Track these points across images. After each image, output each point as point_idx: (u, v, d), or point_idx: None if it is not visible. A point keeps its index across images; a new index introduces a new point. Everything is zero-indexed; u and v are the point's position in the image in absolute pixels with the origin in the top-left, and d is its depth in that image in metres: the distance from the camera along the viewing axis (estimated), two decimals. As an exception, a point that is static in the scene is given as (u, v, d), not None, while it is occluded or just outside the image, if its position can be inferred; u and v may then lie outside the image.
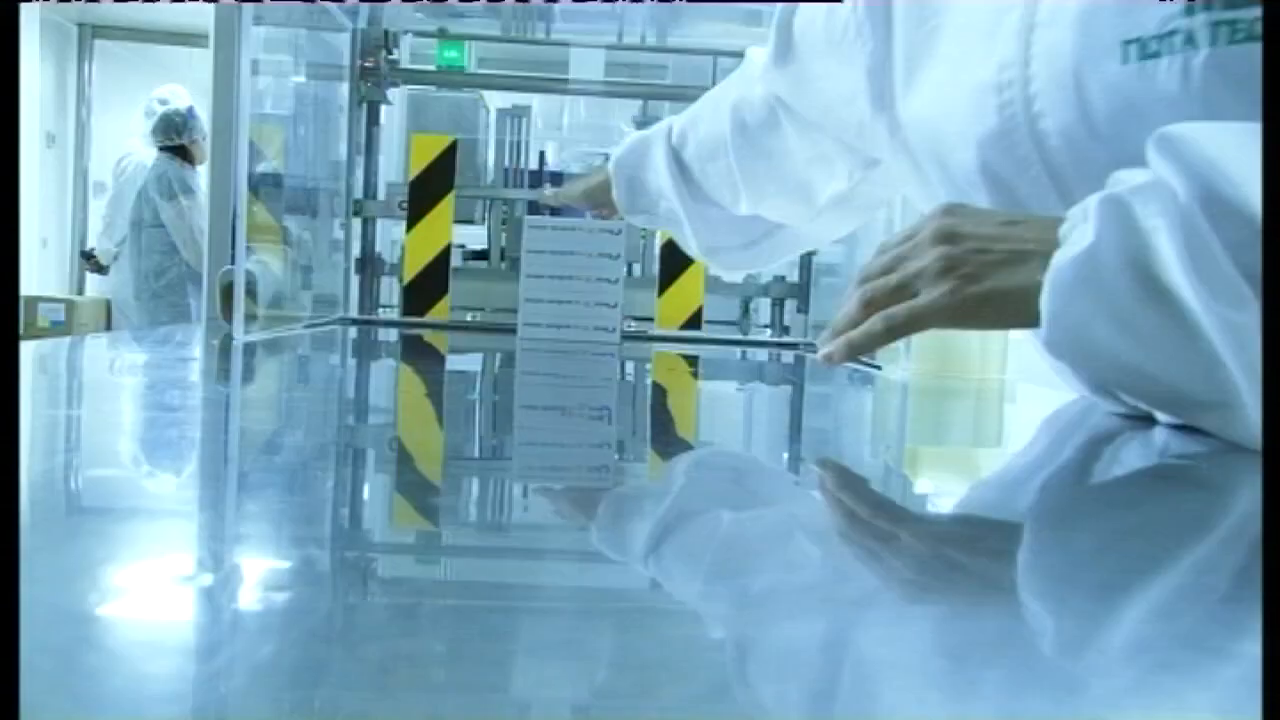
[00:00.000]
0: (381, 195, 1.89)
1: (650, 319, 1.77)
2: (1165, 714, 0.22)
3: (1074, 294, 0.54)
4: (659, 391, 1.03)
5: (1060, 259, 0.54)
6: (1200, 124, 0.54)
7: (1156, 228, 0.52)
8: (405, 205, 1.76)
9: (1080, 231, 0.54)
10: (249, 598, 0.27)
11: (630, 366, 1.24)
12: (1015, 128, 0.65)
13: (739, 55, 1.12)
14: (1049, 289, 0.54)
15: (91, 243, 4.29)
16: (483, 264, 2.04)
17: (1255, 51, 0.54)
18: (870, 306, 0.63)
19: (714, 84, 2.36)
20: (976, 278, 0.58)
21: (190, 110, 3.54)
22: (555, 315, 1.44)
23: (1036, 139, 0.64)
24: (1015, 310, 0.58)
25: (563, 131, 3.46)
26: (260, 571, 0.30)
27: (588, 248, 1.47)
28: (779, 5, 0.95)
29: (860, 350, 0.64)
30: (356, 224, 1.87)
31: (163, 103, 3.55)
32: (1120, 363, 0.56)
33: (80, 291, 5.03)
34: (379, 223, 1.94)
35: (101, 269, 3.83)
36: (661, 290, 1.78)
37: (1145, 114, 0.58)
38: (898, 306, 0.61)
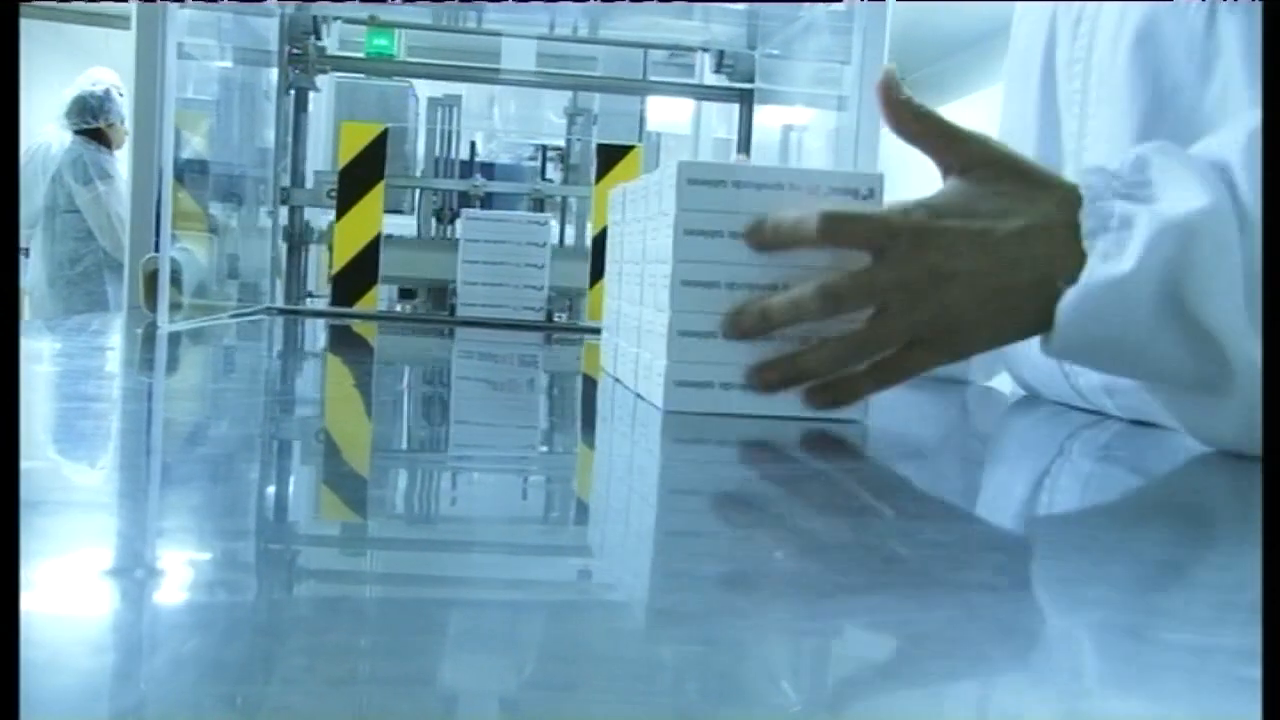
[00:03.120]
0: (310, 184, 1.87)
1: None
2: (1166, 714, 0.22)
3: (1093, 322, 0.51)
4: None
5: (1090, 278, 0.51)
6: (1237, 135, 0.53)
7: (1214, 267, 0.49)
8: (334, 194, 1.73)
9: (1116, 242, 0.51)
10: (165, 593, 0.27)
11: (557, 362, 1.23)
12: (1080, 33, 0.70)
13: (669, 48, 1.12)
14: (1067, 310, 0.51)
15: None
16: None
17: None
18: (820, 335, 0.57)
19: (644, 76, 2.37)
20: (976, 327, 0.55)
21: (107, 92, 3.45)
22: (489, 297, 1.59)
23: (1089, 48, 0.69)
24: (1012, 340, 0.56)
25: (492, 121, 3.44)
26: (178, 565, 0.30)
27: (518, 237, 1.60)
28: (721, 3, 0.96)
29: (827, 404, 0.58)
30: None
31: (95, 85, 3.46)
32: (1124, 370, 0.55)
33: (-8, 279, 4.88)
34: (306, 211, 1.91)
35: (13, 256, 3.72)
36: (593, 283, 1.78)
37: (1166, 49, 0.62)
38: (897, 363, 0.56)
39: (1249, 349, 0.49)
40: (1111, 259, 0.51)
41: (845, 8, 1.71)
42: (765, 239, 0.59)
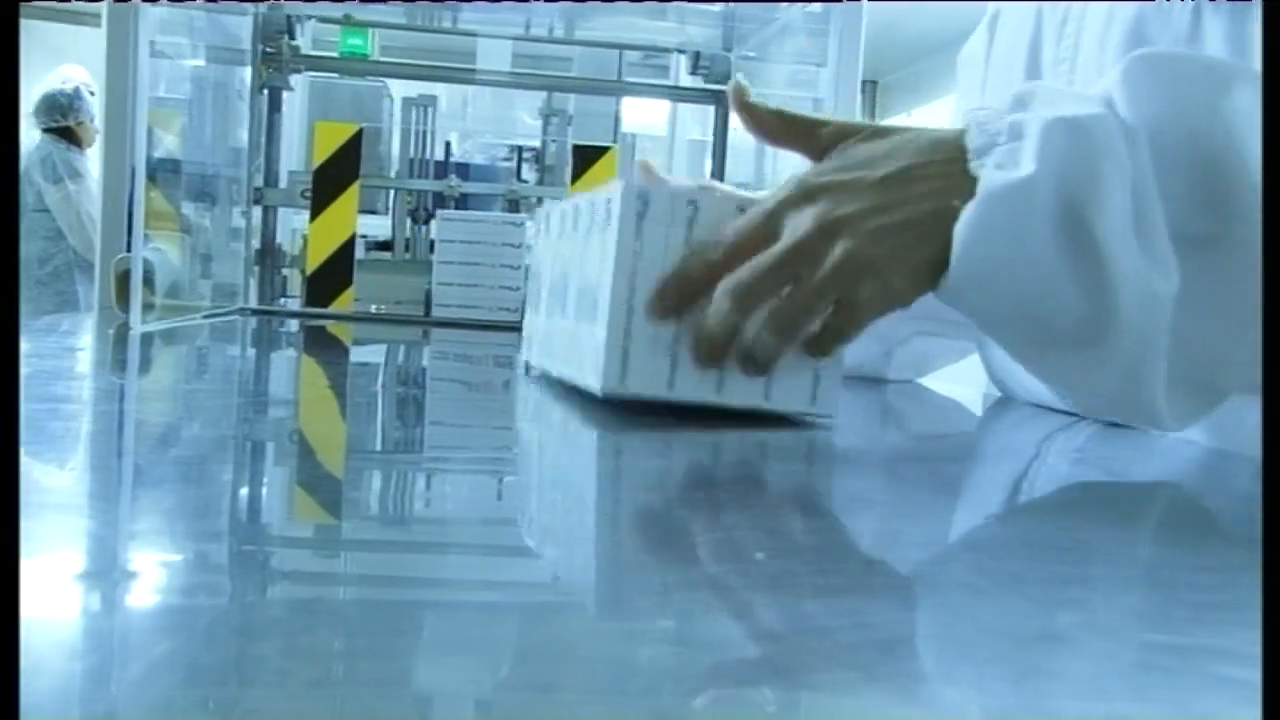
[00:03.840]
0: (283, 184, 1.86)
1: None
2: (1165, 714, 0.22)
3: (993, 236, 0.50)
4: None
5: (988, 187, 0.50)
6: (1177, 52, 0.54)
7: (1106, 173, 0.49)
8: (308, 194, 1.73)
9: (1008, 153, 0.51)
10: (138, 596, 0.27)
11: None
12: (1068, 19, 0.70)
13: (644, 49, 1.11)
14: (967, 226, 0.50)
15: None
16: (387, 255, 2.02)
17: (1258, 5, 0.57)
18: (748, 311, 0.54)
19: (619, 77, 2.38)
20: (882, 270, 0.52)
21: (77, 90, 3.42)
22: (464, 298, 1.59)
23: (1074, 48, 0.69)
24: (932, 276, 0.53)
25: (465, 122, 3.43)
26: (151, 568, 0.30)
27: (493, 238, 1.60)
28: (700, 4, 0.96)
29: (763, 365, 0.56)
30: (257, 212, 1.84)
31: (65, 83, 3.43)
32: (1003, 315, 0.53)
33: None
34: (280, 212, 1.91)
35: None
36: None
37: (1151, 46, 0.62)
38: (828, 328, 0.54)
39: (1136, 272, 0.49)
40: (1007, 168, 0.50)
41: (821, 10, 1.71)
42: (672, 301, 0.57)
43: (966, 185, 0.51)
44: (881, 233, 0.52)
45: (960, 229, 0.50)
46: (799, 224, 0.53)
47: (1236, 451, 0.60)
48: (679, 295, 0.57)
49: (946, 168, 0.52)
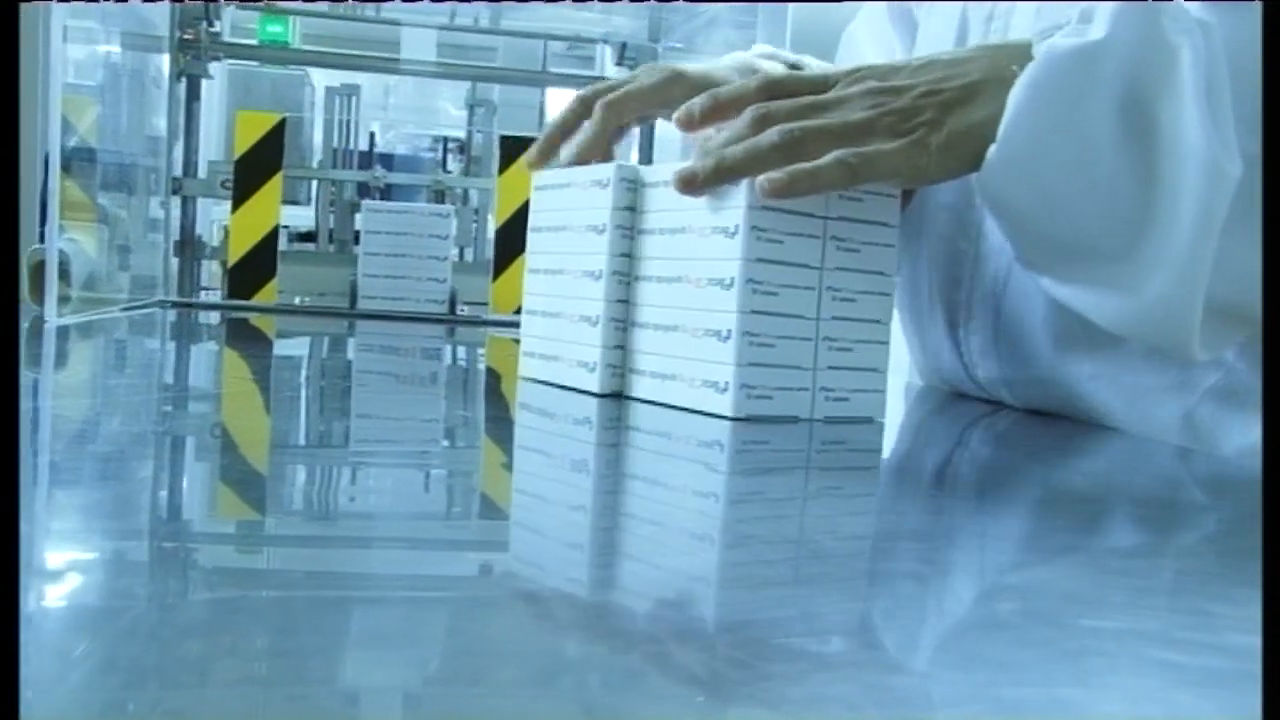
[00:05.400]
0: (203, 174, 1.82)
1: (484, 304, 1.75)
2: (1166, 714, 0.23)
3: (1051, 100, 0.49)
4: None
5: (1051, 48, 0.49)
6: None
7: (1179, 53, 0.48)
8: (228, 184, 1.69)
9: (1076, 28, 0.49)
10: (52, 596, 0.26)
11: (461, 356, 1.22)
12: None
13: (570, 39, 1.11)
14: (1024, 87, 0.48)
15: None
16: (311, 246, 1.99)
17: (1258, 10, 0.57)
18: (769, 126, 0.51)
19: (544, 68, 2.37)
20: (937, 124, 0.51)
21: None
22: (390, 290, 1.58)
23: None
24: (975, 148, 0.51)
25: (389, 112, 3.40)
26: (65, 567, 0.29)
27: (420, 229, 1.59)
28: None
29: (782, 189, 0.50)
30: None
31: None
32: (1047, 200, 0.51)
33: None
34: (199, 202, 1.87)
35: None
36: (496, 275, 1.76)
37: None
38: (859, 150, 0.50)
39: (1204, 150, 0.47)
40: (1077, 33, 0.49)
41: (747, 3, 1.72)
42: (698, 118, 0.55)
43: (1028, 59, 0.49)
44: (927, 97, 0.50)
45: (1016, 90, 0.49)
46: (848, 86, 0.51)
47: (1153, 438, 0.61)
48: (705, 113, 0.54)
49: (1011, 50, 0.51)
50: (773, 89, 0.54)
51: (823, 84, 0.53)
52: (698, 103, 0.55)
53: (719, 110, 0.55)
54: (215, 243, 1.85)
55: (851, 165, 0.50)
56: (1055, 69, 0.49)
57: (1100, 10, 0.50)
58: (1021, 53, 0.51)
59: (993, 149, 0.50)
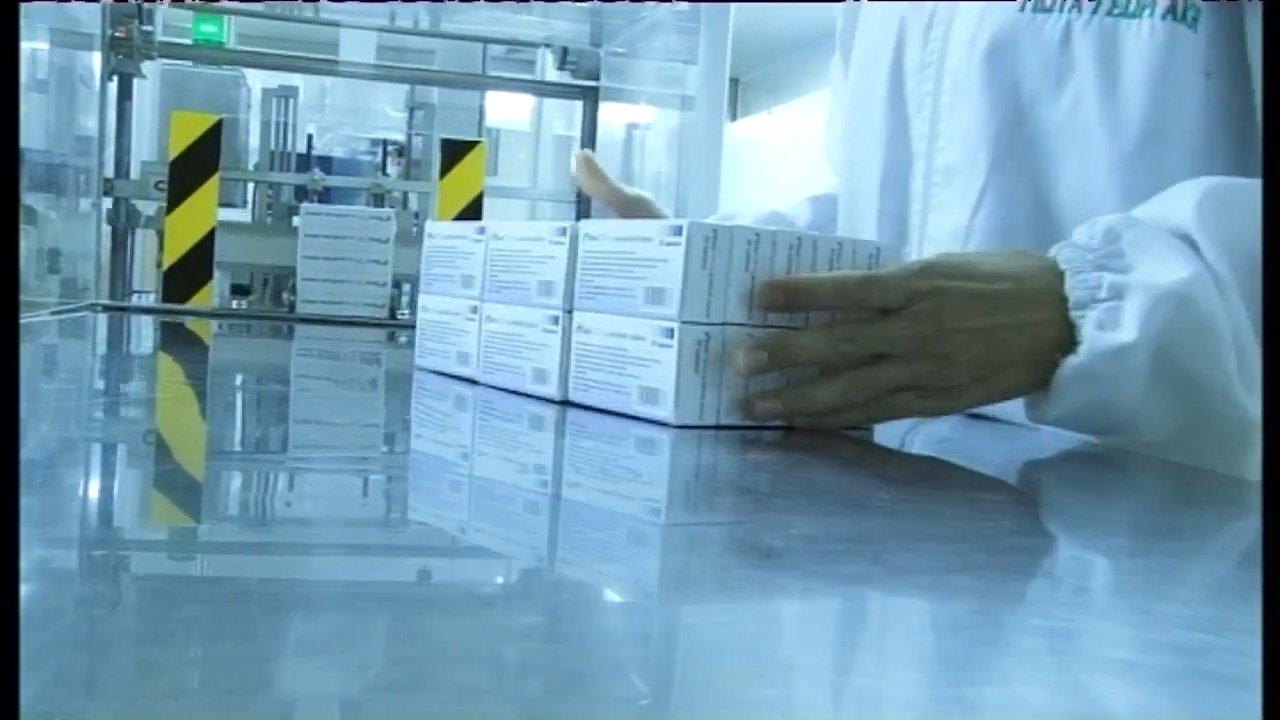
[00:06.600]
0: (136, 174, 1.79)
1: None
2: (1166, 714, 0.22)
3: (1093, 384, 0.54)
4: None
5: (1093, 346, 0.54)
6: (1239, 182, 0.57)
7: (1207, 340, 0.54)
8: (162, 185, 1.66)
9: (1109, 311, 0.54)
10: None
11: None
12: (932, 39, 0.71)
13: (510, 43, 1.11)
14: (1071, 373, 0.54)
15: None
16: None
17: (1125, 26, 0.62)
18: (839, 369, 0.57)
19: (484, 70, 2.35)
20: (967, 390, 0.56)
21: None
22: (329, 294, 1.58)
23: (941, 53, 0.70)
24: (992, 402, 0.58)
25: (326, 114, 3.36)
26: None
27: (359, 233, 1.57)
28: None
29: (824, 418, 0.57)
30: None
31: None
32: (1100, 429, 0.58)
33: None
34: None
35: None
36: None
37: (1023, 60, 0.65)
38: (890, 400, 0.57)
39: (1235, 409, 0.53)
40: (1109, 329, 0.54)
41: (690, 7, 1.73)
42: (782, 300, 0.58)
43: (1063, 329, 0.55)
44: (982, 355, 0.55)
45: (1063, 374, 0.54)
46: (925, 322, 0.55)
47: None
48: (789, 297, 0.57)
49: (1050, 299, 0.55)
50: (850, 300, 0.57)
51: (896, 292, 0.56)
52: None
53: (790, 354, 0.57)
54: (149, 245, 1.82)
55: (873, 415, 0.57)
56: (1095, 364, 0.54)
57: (1129, 293, 0.54)
58: (1060, 315, 0.56)
59: (1038, 408, 0.56)
